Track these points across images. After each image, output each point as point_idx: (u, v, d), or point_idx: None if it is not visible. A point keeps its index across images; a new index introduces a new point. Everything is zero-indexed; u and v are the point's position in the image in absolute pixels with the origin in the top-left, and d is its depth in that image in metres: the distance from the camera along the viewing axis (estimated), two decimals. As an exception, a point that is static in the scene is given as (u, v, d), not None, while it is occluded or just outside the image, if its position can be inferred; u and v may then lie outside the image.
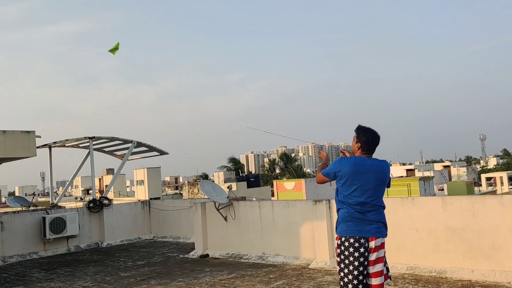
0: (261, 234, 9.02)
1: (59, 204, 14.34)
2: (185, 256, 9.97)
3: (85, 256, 11.17)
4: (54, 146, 14.05)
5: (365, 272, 3.60)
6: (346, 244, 3.62)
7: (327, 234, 7.88)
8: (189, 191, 49.80)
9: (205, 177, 59.57)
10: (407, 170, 43.24)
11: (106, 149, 15.38)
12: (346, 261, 3.59)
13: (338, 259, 3.68)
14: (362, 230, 3.63)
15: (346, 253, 3.60)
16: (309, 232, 8.22)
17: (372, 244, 3.61)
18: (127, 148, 14.62)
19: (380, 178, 3.73)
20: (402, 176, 33.69)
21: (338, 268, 3.69)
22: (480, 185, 37.25)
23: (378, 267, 3.62)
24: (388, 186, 3.85)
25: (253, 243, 9.13)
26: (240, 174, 41.75)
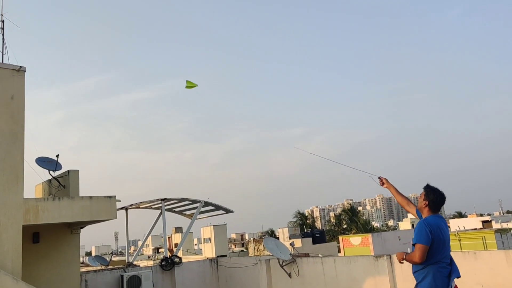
0: (325, 290, 9.22)
1: (134, 262, 15.33)
2: (252, 313, 10.30)
3: (158, 312, 11.80)
4: (130, 208, 15.26)
5: None
6: None
7: (390, 290, 7.97)
8: (254, 248, 49.90)
9: (271, 233, 59.54)
10: (483, 222, 40.64)
11: (176, 209, 16.40)
12: None
13: None
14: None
15: None
16: (372, 288, 8.33)
17: None
18: (195, 208, 15.54)
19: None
20: (476, 229, 31.80)
21: None
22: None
23: None
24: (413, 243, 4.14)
25: (317, 300, 9.31)
26: (305, 230, 41.49)
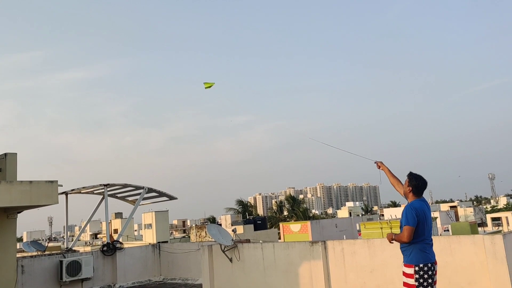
0: (263, 274, 9.70)
1: (73, 248, 15.12)
2: (194, 296, 10.64)
3: (99, 297, 11.84)
4: (70, 193, 14.99)
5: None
6: (427, 268, 4.61)
7: (323, 273, 8.57)
8: (196, 234, 50.08)
9: (213, 220, 59.92)
10: (413, 211, 43.30)
11: (118, 195, 16.30)
12: (429, 280, 4.58)
13: (422, 280, 4.57)
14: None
15: (426, 276, 4.58)
16: (307, 272, 8.90)
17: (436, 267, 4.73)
18: (138, 194, 15.55)
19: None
20: (406, 217, 33.89)
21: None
22: (486, 225, 37.35)
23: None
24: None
25: (256, 283, 9.78)
26: (247, 217, 42.24)
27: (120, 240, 14.40)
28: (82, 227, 18.23)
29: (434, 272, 4.65)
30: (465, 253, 6.99)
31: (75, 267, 12.57)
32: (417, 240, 4.65)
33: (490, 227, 35.46)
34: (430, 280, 4.60)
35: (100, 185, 14.22)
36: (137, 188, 15.01)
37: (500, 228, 33.45)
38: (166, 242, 18.79)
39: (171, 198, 16.09)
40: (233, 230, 10.80)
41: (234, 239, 10.31)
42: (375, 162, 5.63)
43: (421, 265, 4.58)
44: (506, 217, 36.76)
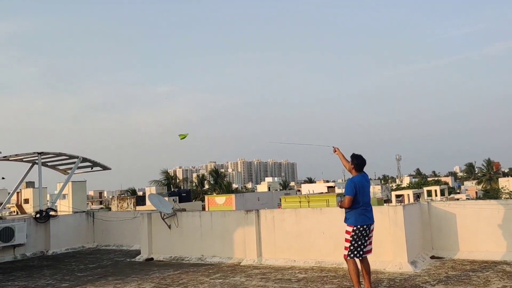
0: (200, 239, 10.73)
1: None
2: (132, 260, 11.38)
3: (34, 262, 12.11)
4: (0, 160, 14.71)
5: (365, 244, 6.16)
6: (362, 229, 6.06)
7: (255, 238, 9.79)
8: (118, 205, 49.61)
9: (133, 192, 59.41)
10: (328, 187, 46.73)
11: (49, 164, 16.23)
12: (363, 240, 6.06)
13: (356, 237, 6.03)
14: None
15: (360, 235, 6.05)
16: (241, 237, 10.08)
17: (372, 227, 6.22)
18: (71, 163, 15.66)
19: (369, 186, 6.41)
20: (322, 193, 36.77)
21: (352, 244, 6.05)
22: (391, 201, 41.52)
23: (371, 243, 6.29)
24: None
25: (193, 247, 10.79)
26: (172, 189, 42.79)
27: (54, 207, 14.56)
28: (9, 194, 17.83)
29: (369, 231, 6.16)
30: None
31: (7, 233, 12.64)
32: (356, 206, 6.10)
33: (394, 203, 39.51)
34: (363, 240, 6.11)
35: (34, 153, 14.18)
36: (71, 157, 15.12)
37: (403, 204, 37.45)
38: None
39: (105, 168, 16.37)
40: (174, 200, 11.66)
41: (174, 208, 11.17)
42: (333, 147, 6.96)
43: (358, 226, 6.07)
44: (408, 195, 41.20)
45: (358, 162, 6.31)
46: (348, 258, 6.12)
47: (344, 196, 6.29)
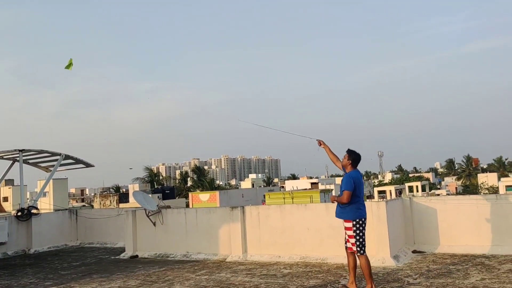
0: (185, 236, 10.74)
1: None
2: (116, 257, 11.33)
3: (16, 261, 11.95)
4: (-21, 157, 14.46)
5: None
6: (361, 222, 6.17)
7: (240, 234, 9.85)
8: (100, 203, 49.15)
9: (117, 189, 58.93)
10: (312, 184, 47.07)
11: (30, 161, 16.00)
12: (363, 231, 6.15)
13: (359, 231, 6.12)
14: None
15: (361, 228, 6.14)
16: (226, 233, 10.12)
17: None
18: (53, 160, 15.46)
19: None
20: (306, 189, 37.04)
21: (358, 239, 6.11)
22: (373, 197, 42.10)
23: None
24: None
25: (178, 244, 10.80)
26: (155, 186, 42.51)
27: (36, 205, 14.37)
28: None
29: (364, 225, 6.27)
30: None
31: (-12, 232, 12.45)
32: (353, 201, 6.17)
33: (376, 199, 40.05)
34: (364, 231, 6.21)
35: (15, 150, 13.95)
36: (54, 154, 14.92)
37: (385, 200, 38.02)
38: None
39: (88, 165, 16.20)
40: (158, 197, 11.62)
41: (158, 205, 11.15)
42: (317, 140, 6.91)
43: (357, 220, 6.15)
44: (390, 190, 41.77)
45: (355, 157, 6.36)
46: (359, 254, 6.10)
47: (342, 191, 6.19)
